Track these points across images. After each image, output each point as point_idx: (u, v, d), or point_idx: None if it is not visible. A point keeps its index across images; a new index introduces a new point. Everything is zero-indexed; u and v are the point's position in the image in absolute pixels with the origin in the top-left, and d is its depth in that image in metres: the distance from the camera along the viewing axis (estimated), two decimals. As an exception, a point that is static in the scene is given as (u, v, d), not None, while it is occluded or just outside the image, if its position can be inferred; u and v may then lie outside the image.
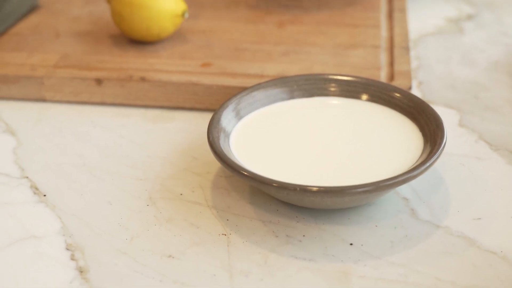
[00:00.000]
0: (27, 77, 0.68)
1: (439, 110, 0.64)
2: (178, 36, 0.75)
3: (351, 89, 0.60)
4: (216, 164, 0.57)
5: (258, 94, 0.60)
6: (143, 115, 0.66)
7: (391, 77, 0.66)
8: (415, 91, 0.68)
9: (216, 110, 0.56)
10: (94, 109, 0.67)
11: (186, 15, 0.71)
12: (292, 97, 0.61)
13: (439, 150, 0.50)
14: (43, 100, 0.69)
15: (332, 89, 0.61)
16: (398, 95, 0.58)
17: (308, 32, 0.76)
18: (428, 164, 0.49)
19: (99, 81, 0.67)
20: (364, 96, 0.60)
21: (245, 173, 0.49)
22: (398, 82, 0.64)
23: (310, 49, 0.72)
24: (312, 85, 0.61)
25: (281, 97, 0.60)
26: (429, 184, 0.55)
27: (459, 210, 0.52)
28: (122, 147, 0.61)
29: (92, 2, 0.85)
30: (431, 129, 0.54)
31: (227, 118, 0.56)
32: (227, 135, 0.55)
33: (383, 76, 0.66)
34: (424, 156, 0.51)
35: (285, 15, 0.80)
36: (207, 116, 0.65)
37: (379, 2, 0.83)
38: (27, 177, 0.57)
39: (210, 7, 0.82)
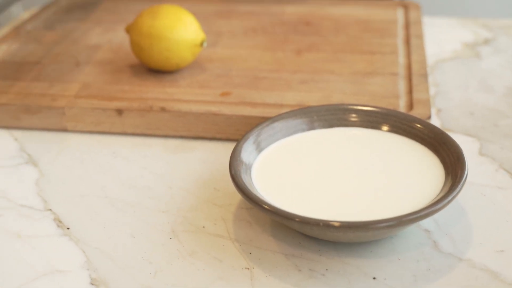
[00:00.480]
0: (48, 108, 0.68)
1: (459, 138, 0.64)
2: (196, 64, 0.75)
3: (372, 119, 0.60)
4: (238, 196, 0.58)
5: (278, 125, 0.60)
6: (163, 145, 0.67)
7: (410, 105, 0.66)
8: (434, 119, 0.68)
9: (237, 143, 0.57)
10: (115, 139, 0.68)
11: (205, 45, 0.72)
12: (312, 127, 0.61)
13: (461, 183, 0.51)
14: (64, 130, 0.69)
15: (353, 119, 0.61)
16: (418, 125, 0.58)
17: (325, 60, 0.76)
18: (450, 197, 0.49)
19: (119, 112, 0.67)
20: (385, 127, 0.60)
21: (268, 208, 0.49)
22: (417, 111, 0.64)
23: (328, 77, 0.72)
24: (332, 116, 0.61)
25: (301, 128, 0.61)
26: (450, 215, 0.55)
27: (481, 242, 0.52)
28: (143, 178, 0.61)
29: (111, 29, 0.86)
30: (452, 161, 0.54)
31: (247, 150, 0.57)
32: (249, 168, 0.56)
33: (402, 105, 0.66)
34: (446, 189, 0.51)
35: (303, 42, 0.81)
36: (228, 146, 0.65)
37: (396, 28, 0.84)
38: (50, 210, 0.58)
39: (227, 34, 0.83)
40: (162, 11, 0.71)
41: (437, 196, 0.51)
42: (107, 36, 0.84)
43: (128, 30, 0.73)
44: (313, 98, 0.68)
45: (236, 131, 0.66)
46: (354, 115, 0.61)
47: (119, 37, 0.84)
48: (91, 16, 0.92)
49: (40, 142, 0.68)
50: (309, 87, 0.70)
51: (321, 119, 0.61)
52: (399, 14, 0.89)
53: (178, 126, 0.67)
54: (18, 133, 0.70)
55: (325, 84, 0.71)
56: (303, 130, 0.61)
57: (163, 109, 0.67)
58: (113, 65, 0.77)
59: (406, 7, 0.91)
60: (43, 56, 0.80)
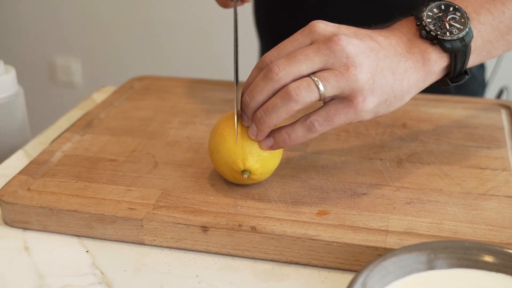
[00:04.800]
0: (125, 219, 0.62)
1: None
2: (285, 171, 0.68)
3: (508, 263, 0.52)
4: None
5: (390, 265, 0.52)
6: (252, 269, 0.59)
7: (537, 240, 0.58)
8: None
9: None
10: (198, 258, 0.61)
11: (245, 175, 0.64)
12: (430, 267, 0.53)
13: None
14: (141, 243, 0.62)
15: (484, 260, 0.52)
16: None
17: (430, 174, 0.68)
18: None
19: (205, 229, 0.60)
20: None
21: None
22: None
23: (437, 198, 0.64)
24: (454, 254, 0.53)
25: (417, 267, 0.53)
26: None
27: None
28: (232, 314, 0.54)
29: (189, 122, 0.80)
30: None
31: (359, 297, 0.49)
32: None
33: (527, 240, 0.58)
34: None
35: (402, 149, 0.73)
36: (325, 275, 0.58)
37: (503, 136, 0.76)
38: None
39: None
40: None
41: None
42: (186, 131, 0.78)
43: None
44: (422, 224, 0.60)
45: (335, 259, 0.59)
46: (485, 255, 0.52)
47: (199, 133, 0.77)
48: (167, 102, 0.86)
49: (114, 257, 0.61)
50: (416, 210, 0.62)
51: (440, 257, 0.53)
52: (504, 117, 0.81)
53: (270, 248, 0.60)
54: (89, 243, 0.63)
55: (434, 206, 0.63)
56: (419, 270, 0.53)
57: (253, 229, 0.60)
58: (194, 167, 0.70)
59: (509, 109, 0.83)
60: (118, 152, 0.73)
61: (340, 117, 0.60)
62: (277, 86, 0.59)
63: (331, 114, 0.60)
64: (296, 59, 0.58)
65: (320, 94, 0.58)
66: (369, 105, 0.60)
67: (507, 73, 1.56)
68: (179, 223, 0.61)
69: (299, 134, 0.60)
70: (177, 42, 2.26)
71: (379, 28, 0.65)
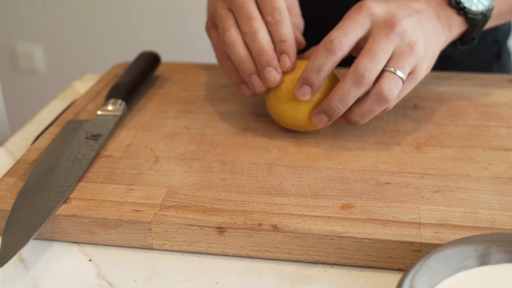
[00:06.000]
0: (130, 222, 0.56)
1: None
2: (297, 162, 0.63)
3: None
4: None
5: (436, 264, 0.47)
6: (276, 272, 0.54)
7: None
8: None
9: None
10: (215, 262, 0.55)
11: None
12: (483, 262, 0.48)
13: None
14: (149, 248, 0.57)
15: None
16: None
17: (454, 158, 0.64)
18: None
19: (221, 230, 0.55)
20: None
21: None
22: None
23: (465, 184, 0.60)
24: (507, 247, 0.48)
25: (465, 264, 0.48)
26: None
27: None
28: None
29: (187, 112, 0.74)
30: None
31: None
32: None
33: None
34: None
35: (418, 132, 0.68)
36: (356, 275, 0.53)
37: (521, 115, 0.72)
38: None
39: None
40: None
41: None
42: (184, 121, 0.72)
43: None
44: (456, 215, 0.56)
45: (366, 256, 0.54)
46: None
47: (199, 122, 0.72)
48: (160, 92, 0.80)
49: (122, 265, 0.55)
50: (446, 198, 0.58)
51: (492, 250, 0.48)
52: (516, 94, 0.77)
53: (294, 248, 0.55)
54: (92, 251, 0.57)
55: (464, 193, 0.58)
56: (467, 267, 0.48)
57: (275, 228, 0.54)
58: (199, 161, 0.64)
59: (520, 85, 0.79)
60: (112, 147, 0.67)
61: (405, 88, 0.63)
62: (368, 88, 0.62)
63: (399, 85, 0.62)
64: (378, 56, 0.60)
65: (403, 81, 0.62)
66: (424, 72, 0.64)
67: None
68: (192, 225, 0.55)
69: (375, 108, 0.63)
70: (151, 23, 2.16)
71: None
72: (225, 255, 0.56)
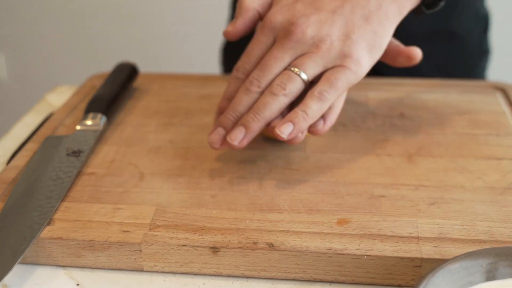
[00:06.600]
0: (120, 244, 0.54)
1: None
2: (289, 176, 0.61)
3: None
4: None
5: (442, 281, 0.46)
6: (273, 292, 0.52)
7: None
8: None
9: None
10: (208, 283, 0.53)
11: None
12: (489, 278, 0.47)
13: None
14: (139, 270, 0.54)
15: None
16: None
17: (446, 169, 0.63)
18: None
19: (215, 250, 0.53)
20: None
21: None
22: None
23: (461, 195, 0.59)
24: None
25: (470, 280, 0.47)
26: None
27: None
28: None
29: (169, 125, 0.72)
30: None
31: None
32: None
33: None
34: None
35: (407, 142, 0.67)
36: (357, 294, 0.51)
37: (508, 122, 0.71)
38: None
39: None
40: None
41: None
42: (167, 135, 0.70)
43: None
44: (454, 228, 0.55)
45: (365, 273, 0.52)
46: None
47: (182, 135, 0.70)
48: (140, 104, 0.77)
49: (111, 289, 0.53)
50: (443, 211, 0.57)
51: (503, 265, 0.47)
52: (501, 100, 0.76)
53: (291, 267, 0.53)
54: (79, 274, 0.54)
55: (460, 205, 0.57)
56: (472, 283, 0.47)
57: (271, 246, 0.52)
58: (187, 177, 0.62)
59: (504, 91, 0.78)
60: (95, 163, 0.65)
61: (342, 80, 0.59)
62: (259, 95, 0.60)
63: (331, 80, 0.58)
64: (268, 65, 0.59)
65: (303, 80, 0.59)
66: (360, 59, 0.59)
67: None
68: (185, 245, 0.53)
69: (314, 108, 0.58)
70: (120, 32, 2.12)
71: None
72: (219, 276, 0.54)
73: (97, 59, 2.13)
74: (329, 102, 0.59)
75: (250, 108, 0.60)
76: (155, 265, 0.54)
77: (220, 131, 0.60)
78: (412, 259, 0.51)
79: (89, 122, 0.69)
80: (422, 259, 0.51)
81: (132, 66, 0.80)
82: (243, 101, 0.60)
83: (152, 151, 0.67)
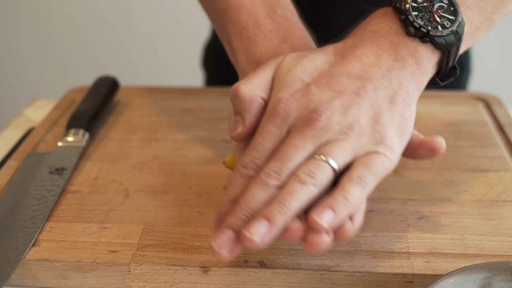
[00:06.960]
0: (108, 265, 0.53)
1: None
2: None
3: None
4: None
5: (437, 297, 0.46)
6: (264, 311, 0.51)
7: None
8: None
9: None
10: (199, 303, 0.52)
11: None
12: (482, 293, 0.47)
13: None
14: (128, 291, 0.53)
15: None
16: None
17: (433, 182, 0.63)
18: None
19: (205, 269, 0.52)
20: None
21: None
22: None
23: (448, 208, 0.59)
24: (504, 276, 0.47)
25: (464, 296, 0.47)
26: None
27: None
28: None
29: (152, 140, 0.71)
30: None
31: None
32: None
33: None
34: None
35: (393, 155, 0.67)
36: (351, 313, 0.51)
37: (491, 133, 0.72)
38: None
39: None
40: None
41: None
42: (151, 150, 0.69)
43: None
44: (444, 242, 0.55)
45: (357, 290, 0.52)
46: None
47: (167, 151, 0.69)
48: (122, 119, 0.76)
49: (100, 312, 0.51)
50: (432, 225, 0.57)
51: (496, 279, 0.47)
52: (482, 111, 0.77)
53: (282, 285, 0.52)
54: (65, 296, 0.53)
55: (449, 219, 0.58)
56: (466, 300, 0.47)
57: (262, 265, 0.52)
58: (173, 194, 0.61)
59: (486, 102, 0.79)
60: (79, 181, 0.63)
61: (379, 167, 0.50)
62: (278, 191, 0.48)
63: (370, 165, 0.49)
64: (288, 155, 0.49)
65: (333, 169, 0.49)
66: (393, 146, 0.51)
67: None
68: (174, 265, 0.52)
69: (355, 194, 0.47)
70: (95, 43, 2.09)
71: (347, 38, 0.56)
72: (210, 295, 0.53)
73: (74, 71, 2.11)
74: (369, 190, 0.49)
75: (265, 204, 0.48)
76: (144, 286, 0.53)
77: (229, 233, 0.46)
78: (404, 275, 0.51)
79: (70, 139, 0.68)
80: (414, 275, 0.51)
81: (113, 80, 0.79)
82: (258, 197, 0.48)
83: (136, 167, 0.66)
